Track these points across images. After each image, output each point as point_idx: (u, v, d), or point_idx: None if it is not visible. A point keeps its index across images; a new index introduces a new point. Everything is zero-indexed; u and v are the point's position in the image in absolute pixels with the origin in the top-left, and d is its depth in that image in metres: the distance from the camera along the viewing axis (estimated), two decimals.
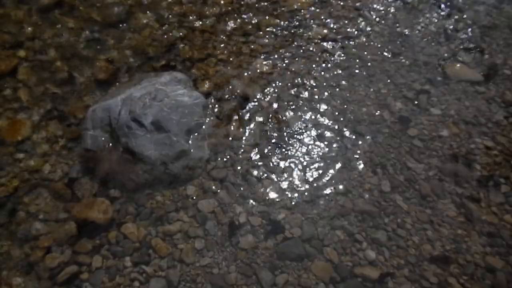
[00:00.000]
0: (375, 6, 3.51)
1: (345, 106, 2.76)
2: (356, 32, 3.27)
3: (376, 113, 2.73)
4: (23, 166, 2.33)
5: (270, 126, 2.62)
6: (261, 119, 2.65)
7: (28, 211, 2.18)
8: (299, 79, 2.91)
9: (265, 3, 3.44)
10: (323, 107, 2.75)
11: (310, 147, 2.53)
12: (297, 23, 3.31)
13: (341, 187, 2.36)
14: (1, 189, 2.23)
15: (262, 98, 2.76)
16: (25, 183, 2.27)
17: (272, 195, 2.31)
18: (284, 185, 2.35)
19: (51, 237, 2.09)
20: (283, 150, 2.51)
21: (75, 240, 2.09)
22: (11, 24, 3.00)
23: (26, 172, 2.31)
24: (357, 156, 2.50)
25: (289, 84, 2.87)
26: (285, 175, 2.40)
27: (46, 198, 2.24)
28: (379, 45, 3.18)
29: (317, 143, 2.56)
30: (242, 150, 2.49)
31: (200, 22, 3.23)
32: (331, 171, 2.43)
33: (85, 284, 1.96)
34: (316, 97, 2.80)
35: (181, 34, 3.12)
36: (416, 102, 2.80)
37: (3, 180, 2.26)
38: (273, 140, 2.55)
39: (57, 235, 2.10)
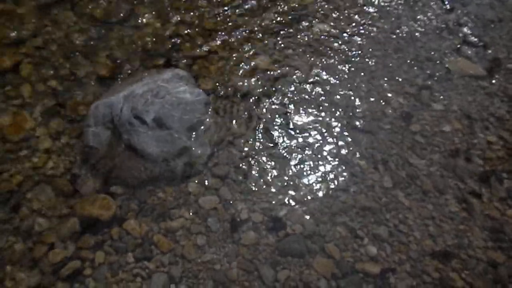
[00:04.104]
0: (377, 1, 3.48)
1: (347, 102, 2.75)
2: (358, 28, 3.25)
3: (378, 109, 2.72)
4: (26, 162, 2.34)
5: (272, 122, 2.62)
6: (262, 116, 2.65)
7: (31, 207, 2.19)
8: (301, 75, 2.90)
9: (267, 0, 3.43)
10: (325, 103, 2.74)
11: (311, 143, 2.53)
12: (299, 19, 3.29)
13: (342, 183, 2.36)
14: (4, 185, 2.24)
15: (264, 94, 2.76)
16: (28, 179, 2.28)
17: (274, 191, 2.31)
18: (286, 181, 2.35)
19: (54, 232, 2.10)
20: (285, 146, 2.51)
21: (78, 236, 2.10)
22: (13, 20, 3.00)
23: (29, 168, 2.32)
24: (359, 152, 2.50)
25: (291, 80, 2.86)
26: (287, 171, 2.40)
27: (49, 194, 2.25)
28: (381, 41, 3.16)
29: (319, 139, 2.56)
30: (244, 147, 2.49)
31: (202, 19, 3.22)
32: (333, 167, 2.43)
33: (88, 279, 1.97)
34: (318, 93, 2.80)
35: (183, 31, 3.12)
36: (418, 98, 2.79)
37: (6, 176, 2.27)
38: (275, 137, 2.55)
39: (60, 230, 2.11)
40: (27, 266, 1.99)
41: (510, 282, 2.02)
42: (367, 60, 3.02)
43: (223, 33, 3.14)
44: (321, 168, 2.42)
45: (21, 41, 2.88)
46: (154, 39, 3.04)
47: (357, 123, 2.64)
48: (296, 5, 3.40)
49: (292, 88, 2.82)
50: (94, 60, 2.87)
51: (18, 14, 3.04)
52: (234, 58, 2.97)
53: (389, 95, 2.80)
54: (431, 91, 2.84)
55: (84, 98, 2.66)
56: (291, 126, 2.61)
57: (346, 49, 3.09)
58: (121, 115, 2.37)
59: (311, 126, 2.62)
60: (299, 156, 2.47)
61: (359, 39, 3.17)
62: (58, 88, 2.69)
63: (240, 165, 2.41)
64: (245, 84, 2.80)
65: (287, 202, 2.27)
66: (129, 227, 2.14)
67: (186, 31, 3.12)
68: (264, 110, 2.68)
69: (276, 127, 2.60)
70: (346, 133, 2.59)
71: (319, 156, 2.48)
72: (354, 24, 3.29)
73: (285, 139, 2.55)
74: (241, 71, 2.88)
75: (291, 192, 2.31)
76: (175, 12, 3.25)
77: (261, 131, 2.58)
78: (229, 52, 3.02)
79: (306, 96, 2.77)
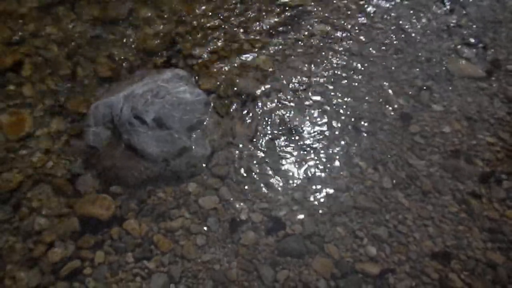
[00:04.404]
0: (377, 1, 3.49)
1: (347, 103, 2.75)
2: (357, 28, 3.26)
3: (378, 110, 2.72)
4: (26, 162, 2.34)
5: (272, 123, 2.63)
6: (262, 116, 2.66)
7: (31, 207, 2.19)
8: (300, 76, 2.90)
9: (267, 0, 3.43)
10: (324, 104, 2.74)
11: (311, 143, 2.54)
12: (299, 19, 3.30)
13: (342, 183, 2.36)
14: (5, 184, 2.24)
15: (264, 95, 2.77)
16: (28, 179, 2.28)
17: (273, 192, 2.31)
18: (285, 181, 2.36)
19: (54, 232, 2.11)
20: (284, 147, 2.52)
21: (77, 235, 2.11)
22: (14, 20, 3.01)
23: (29, 167, 2.32)
24: (358, 153, 2.50)
25: (290, 81, 2.87)
26: (286, 172, 2.40)
27: (49, 193, 2.25)
28: (381, 41, 3.16)
29: (318, 139, 2.56)
30: (244, 147, 2.50)
31: (202, 19, 3.23)
32: (332, 167, 2.43)
33: (88, 279, 1.97)
34: (318, 94, 2.80)
35: (183, 31, 3.12)
36: (418, 99, 2.79)
37: (6, 175, 2.28)
38: (275, 137, 2.56)
39: (60, 230, 2.11)
40: (27, 265, 2.00)
41: (510, 283, 2.02)
42: (367, 60, 3.02)
43: (223, 33, 3.15)
44: (321, 169, 2.42)
45: (22, 41, 2.89)
46: (154, 39, 3.05)
47: (357, 123, 2.64)
48: (297, 5, 3.41)
49: (292, 89, 2.82)
50: (94, 60, 2.87)
51: (19, 14, 3.04)
52: (234, 58, 2.98)
53: (389, 96, 2.80)
54: (431, 92, 2.84)
55: (84, 98, 2.66)
56: (290, 126, 2.62)
57: (346, 50, 3.09)
58: (121, 115, 2.37)
59: (310, 127, 2.62)
60: (299, 156, 2.47)
61: (359, 40, 3.17)
62: (58, 88, 2.70)
63: (240, 165, 2.41)
64: (245, 84, 2.81)
65: (286, 202, 2.27)
66: (129, 227, 2.14)
67: (186, 31, 3.13)
68: (264, 110, 2.69)
69: (276, 128, 2.60)
70: (345, 134, 2.59)
71: (319, 156, 2.48)
72: (354, 25, 3.29)
73: (285, 139, 2.55)
74: (241, 71, 2.89)
75: (291, 192, 2.31)
76: (175, 12, 3.25)
77: (261, 131, 2.58)
78: (229, 52, 3.02)
79: (306, 97, 2.78)
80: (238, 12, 3.31)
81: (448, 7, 3.48)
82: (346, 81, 2.89)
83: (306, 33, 3.20)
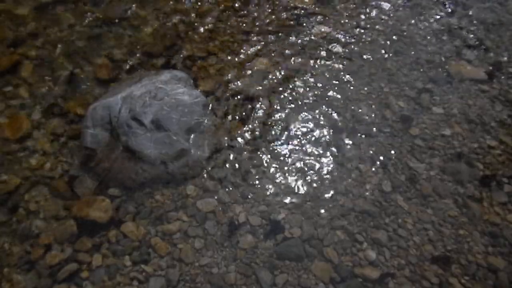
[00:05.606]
0: (377, 3, 3.47)
1: (346, 105, 2.74)
2: (358, 30, 3.24)
3: (378, 112, 2.71)
4: (24, 164, 2.33)
5: (271, 125, 2.61)
6: (261, 118, 2.64)
7: (28, 209, 2.18)
8: (300, 77, 2.89)
9: (267, 1, 3.42)
10: (324, 106, 2.73)
11: (310, 146, 2.52)
12: (299, 21, 3.29)
13: (341, 186, 2.34)
14: (2, 186, 2.23)
15: (263, 97, 2.75)
16: (26, 181, 2.27)
17: (272, 194, 2.30)
18: (284, 184, 2.34)
19: (51, 234, 2.10)
20: (283, 149, 2.50)
21: (75, 238, 2.09)
22: (12, 20, 3.00)
23: (27, 169, 2.31)
24: (358, 156, 2.49)
25: (290, 82, 2.85)
26: (285, 174, 2.39)
27: (46, 196, 2.25)
28: (381, 43, 3.15)
29: (318, 142, 2.54)
30: (242, 150, 2.48)
31: (201, 21, 3.22)
32: (332, 170, 2.42)
33: (85, 282, 1.96)
34: (317, 96, 2.79)
35: (182, 32, 3.11)
36: (418, 101, 2.78)
37: (4, 177, 2.27)
38: (273, 140, 2.54)
39: (57, 233, 2.11)
40: (24, 268, 1.99)
41: None
42: (366, 62, 3.01)
43: (222, 34, 3.13)
44: (320, 171, 2.41)
45: (21, 41, 2.88)
46: (153, 39, 3.04)
47: (357, 126, 2.62)
48: (297, 7, 3.39)
49: (291, 91, 2.81)
50: (93, 60, 2.86)
51: (18, 14, 3.03)
52: (233, 60, 2.97)
53: (389, 98, 2.79)
54: (431, 94, 2.82)
55: (82, 99, 2.65)
56: (290, 128, 2.60)
57: (346, 52, 3.08)
58: (119, 117, 2.36)
59: (310, 129, 2.61)
60: (298, 159, 2.46)
61: (359, 41, 3.16)
62: (57, 89, 2.69)
63: (239, 167, 2.40)
64: (244, 86, 2.79)
65: (285, 205, 2.26)
66: (126, 229, 2.13)
67: (185, 32, 3.12)
68: (263, 112, 2.67)
69: (275, 130, 2.59)
70: (345, 136, 2.57)
71: (318, 159, 2.46)
72: (354, 26, 3.28)
73: (283, 142, 2.54)
74: (240, 73, 2.87)
75: (290, 195, 2.30)
76: (175, 13, 3.24)
77: (260, 133, 2.57)
78: (228, 53, 3.01)
79: (305, 99, 2.76)
80: (237, 14, 3.30)
81: (449, 9, 3.46)
82: (346, 83, 2.87)
83: (305, 34, 3.19)
